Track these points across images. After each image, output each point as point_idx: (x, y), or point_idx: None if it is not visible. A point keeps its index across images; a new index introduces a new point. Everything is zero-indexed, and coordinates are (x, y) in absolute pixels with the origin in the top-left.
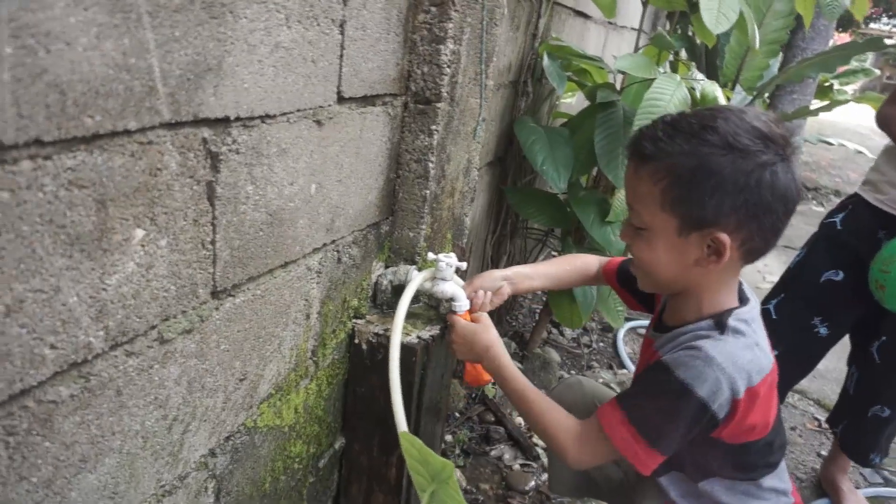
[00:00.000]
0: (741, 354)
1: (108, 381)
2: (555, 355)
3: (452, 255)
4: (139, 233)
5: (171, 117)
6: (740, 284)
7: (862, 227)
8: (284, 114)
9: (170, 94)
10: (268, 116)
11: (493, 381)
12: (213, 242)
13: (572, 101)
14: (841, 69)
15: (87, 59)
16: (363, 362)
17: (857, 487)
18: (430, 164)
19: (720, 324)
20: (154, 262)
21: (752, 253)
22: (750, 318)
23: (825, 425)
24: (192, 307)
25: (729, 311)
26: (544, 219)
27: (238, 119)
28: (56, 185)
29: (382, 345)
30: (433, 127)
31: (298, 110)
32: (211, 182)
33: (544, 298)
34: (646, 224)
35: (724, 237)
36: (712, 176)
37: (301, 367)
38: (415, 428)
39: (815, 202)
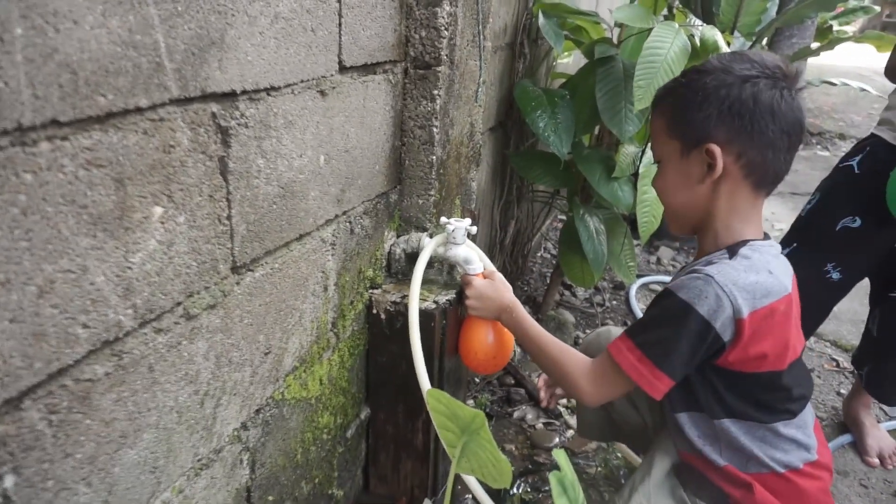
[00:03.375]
0: (744, 276)
1: (140, 358)
2: (569, 316)
3: (465, 219)
4: (158, 210)
5: (179, 93)
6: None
7: (882, 169)
8: (289, 85)
9: (176, 70)
10: (273, 88)
11: (502, 367)
12: (229, 217)
13: (569, 61)
14: (840, 8)
15: (94, 37)
16: (382, 331)
17: (879, 422)
18: (435, 130)
19: (733, 251)
20: (174, 239)
21: (752, 170)
22: (767, 250)
23: (844, 365)
24: (213, 282)
25: (745, 241)
26: (550, 180)
27: (244, 92)
28: (75, 165)
29: (401, 313)
30: (435, 91)
31: (302, 81)
32: (223, 157)
33: (555, 261)
34: (660, 156)
35: (714, 147)
36: (699, 92)
37: (323, 339)
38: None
39: (819, 147)
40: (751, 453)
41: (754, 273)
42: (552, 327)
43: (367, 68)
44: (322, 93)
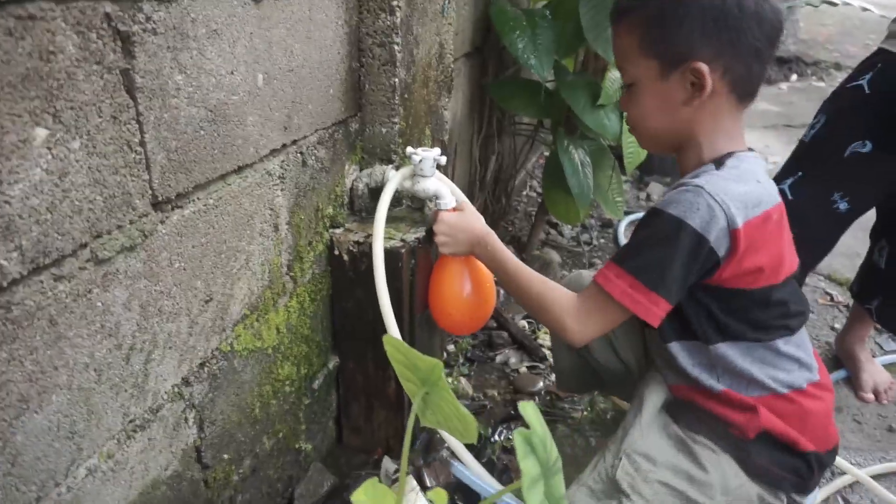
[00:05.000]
0: (734, 185)
1: (35, 309)
2: (555, 256)
3: (433, 149)
4: (41, 132)
5: None
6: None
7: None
8: None
9: None
10: None
11: (482, 326)
12: (142, 143)
13: None
14: None
15: None
16: (346, 275)
17: (874, 356)
18: (396, 48)
19: (720, 163)
20: (68, 168)
21: (738, 84)
22: (752, 160)
23: (839, 299)
24: (129, 220)
25: (729, 154)
26: (532, 111)
27: None
28: None
29: (365, 253)
30: (394, 3)
31: None
32: (127, 70)
33: (539, 200)
34: (633, 77)
35: (702, 66)
36: (678, 6)
37: (277, 283)
38: (410, 339)
39: (815, 77)
40: (750, 376)
41: (744, 182)
42: (537, 267)
43: None
44: None
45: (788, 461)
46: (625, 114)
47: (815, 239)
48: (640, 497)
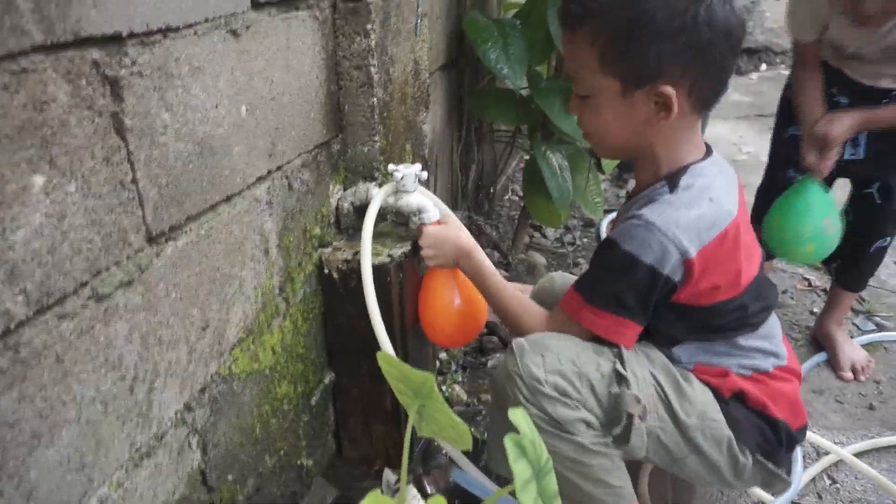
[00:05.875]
0: (685, 213)
1: (42, 348)
2: (539, 258)
3: (415, 164)
4: (38, 179)
5: (44, 38)
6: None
7: None
8: (190, 25)
9: (34, 10)
10: (170, 30)
11: (474, 338)
12: (134, 182)
13: None
14: None
15: None
16: (337, 292)
17: (851, 337)
18: (373, 69)
19: (672, 182)
20: (66, 211)
21: (702, 100)
22: (707, 170)
23: (816, 284)
24: (125, 256)
25: (685, 168)
26: (509, 118)
27: (133, 35)
28: None
29: (354, 270)
30: (368, 26)
31: (207, 20)
32: (116, 113)
33: (522, 204)
34: (589, 90)
35: (669, 90)
36: (645, 26)
37: (270, 305)
38: (402, 351)
39: (783, 66)
40: (714, 363)
41: (696, 206)
42: (522, 271)
43: (287, 3)
44: (234, 33)
45: (757, 422)
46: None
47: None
48: (634, 377)
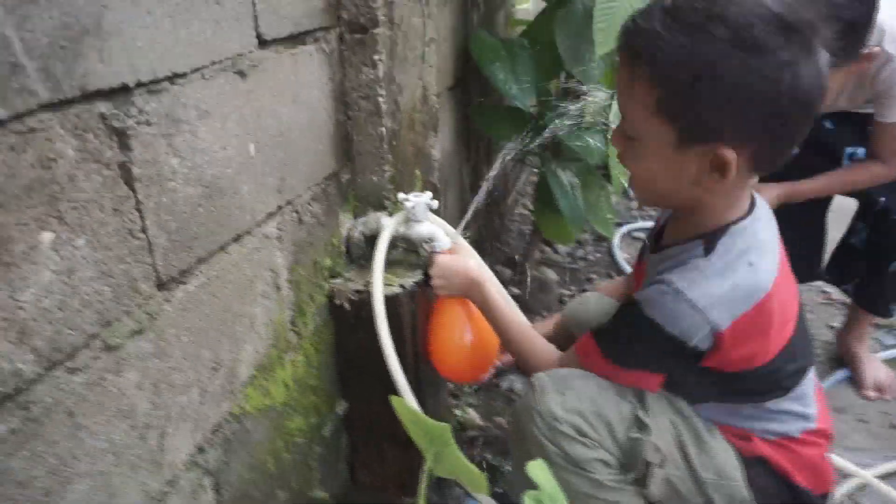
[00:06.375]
0: (718, 283)
1: (53, 405)
2: (551, 274)
3: (425, 193)
4: (47, 236)
5: (51, 96)
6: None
7: None
8: (196, 70)
9: (41, 70)
10: (176, 76)
11: (485, 374)
12: (143, 230)
13: (528, 6)
14: None
15: None
16: (349, 322)
17: (875, 352)
18: (381, 99)
19: (710, 243)
20: (75, 266)
21: (762, 165)
22: (750, 229)
23: (835, 297)
24: (136, 305)
25: (725, 227)
26: (518, 136)
27: (140, 85)
28: None
29: (365, 301)
30: (376, 57)
31: (213, 63)
32: (124, 163)
33: (533, 219)
34: (638, 134)
35: (730, 154)
36: (719, 81)
37: (282, 340)
38: (415, 379)
39: None
40: (738, 425)
41: (731, 273)
42: (535, 287)
43: (294, 39)
44: (241, 73)
45: (777, 488)
46: (616, 151)
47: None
48: (655, 423)
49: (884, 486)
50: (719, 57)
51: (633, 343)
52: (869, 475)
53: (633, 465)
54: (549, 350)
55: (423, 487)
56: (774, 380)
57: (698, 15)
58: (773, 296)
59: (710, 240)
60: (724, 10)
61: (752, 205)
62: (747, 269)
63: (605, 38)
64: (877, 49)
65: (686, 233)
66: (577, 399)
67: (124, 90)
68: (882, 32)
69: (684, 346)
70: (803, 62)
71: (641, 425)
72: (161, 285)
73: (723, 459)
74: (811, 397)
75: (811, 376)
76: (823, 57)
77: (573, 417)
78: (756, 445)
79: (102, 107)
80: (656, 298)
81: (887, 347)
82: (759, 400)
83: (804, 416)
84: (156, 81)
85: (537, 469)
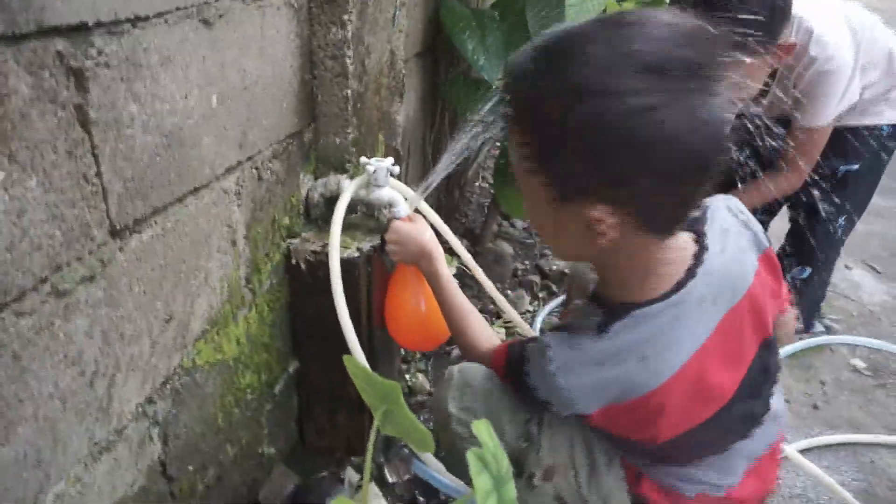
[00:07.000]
0: (596, 373)
1: None
2: (507, 248)
3: (387, 158)
4: None
5: (4, 29)
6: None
7: None
8: (160, 14)
9: None
10: (139, 19)
11: (442, 343)
12: (98, 175)
13: None
14: None
15: None
16: (305, 283)
17: (799, 340)
18: (348, 60)
19: (607, 322)
20: (25, 207)
21: (656, 218)
22: (659, 318)
23: None
24: (88, 251)
25: (630, 308)
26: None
27: (100, 25)
28: None
29: (322, 262)
30: (345, 16)
31: (178, 9)
32: (80, 105)
33: (492, 192)
34: (520, 185)
35: (598, 213)
36: (573, 132)
37: (236, 297)
38: (369, 343)
39: None
40: (636, 463)
41: (614, 366)
42: (490, 260)
43: None
44: (206, 22)
45: None
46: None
47: None
48: (549, 441)
49: (803, 460)
50: (575, 104)
51: (527, 380)
52: (790, 449)
53: (520, 472)
54: (484, 338)
55: (370, 446)
56: (675, 454)
57: (562, 55)
58: (663, 392)
59: (609, 317)
60: (587, 50)
61: (680, 285)
62: (636, 363)
63: (577, 15)
64: (793, 42)
65: (600, 291)
66: (473, 399)
67: (84, 29)
68: (800, 25)
69: (551, 407)
70: (674, 104)
71: (529, 438)
72: (115, 233)
73: (610, 489)
74: (737, 468)
75: (741, 448)
76: (711, 102)
77: (466, 416)
78: (645, 489)
79: (59, 44)
80: (534, 361)
81: (814, 334)
82: (663, 465)
83: (710, 484)
84: (117, 23)
85: (481, 427)
